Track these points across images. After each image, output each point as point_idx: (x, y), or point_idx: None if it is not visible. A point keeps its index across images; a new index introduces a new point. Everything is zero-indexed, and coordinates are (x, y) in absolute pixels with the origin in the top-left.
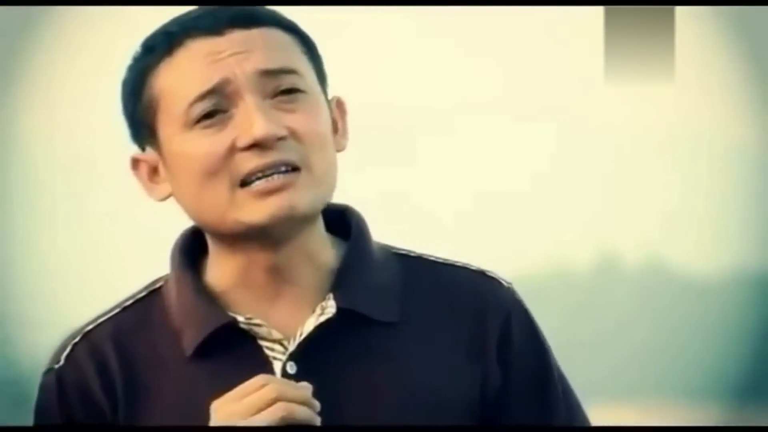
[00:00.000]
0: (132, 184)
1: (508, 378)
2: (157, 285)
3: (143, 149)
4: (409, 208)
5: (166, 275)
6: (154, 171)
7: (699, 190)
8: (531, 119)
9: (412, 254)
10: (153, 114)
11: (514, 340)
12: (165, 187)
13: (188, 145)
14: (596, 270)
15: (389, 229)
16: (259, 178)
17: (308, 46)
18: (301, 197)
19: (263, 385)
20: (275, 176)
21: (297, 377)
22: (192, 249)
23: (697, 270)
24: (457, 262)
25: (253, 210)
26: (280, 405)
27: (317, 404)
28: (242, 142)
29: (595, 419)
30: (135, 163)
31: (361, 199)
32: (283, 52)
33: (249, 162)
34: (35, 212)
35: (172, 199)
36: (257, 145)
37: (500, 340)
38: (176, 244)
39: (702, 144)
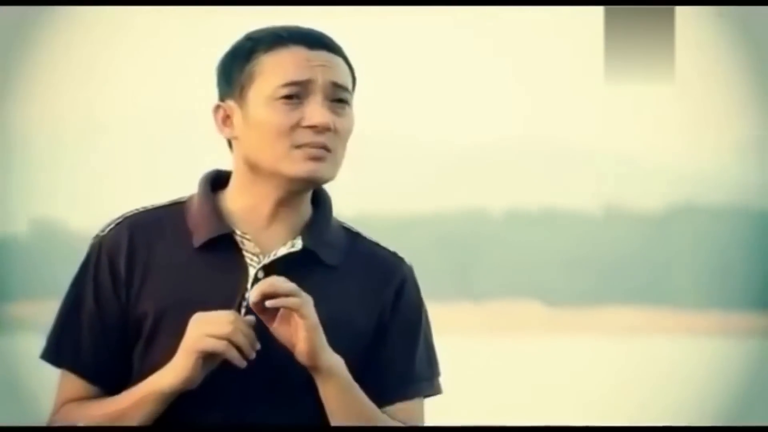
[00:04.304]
0: (131, 183)
1: (393, 323)
2: (183, 199)
3: (223, 100)
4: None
5: (191, 195)
6: (227, 117)
7: (699, 192)
8: (530, 119)
9: (353, 229)
10: (250, 81)
11: (403, 299)
12: (233, 131)
13: (270, 112)
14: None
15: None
16: (307, 147)
17: (354, 80)
18: (326, 170)
19: (229, 320)
20: (317, 150)
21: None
22: (214, 182)
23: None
24: (380, 242)
25: (297, 168)
26: (223, 343)
27: (256, 345)
28: (308, 122)
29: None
30: (217, 108)
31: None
32: (346, 76)
33: (306, 136)
34: (35, 212)
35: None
36: (315, 127)
37: (395, 297)
38: (204, 176)
39: (702, 143)
